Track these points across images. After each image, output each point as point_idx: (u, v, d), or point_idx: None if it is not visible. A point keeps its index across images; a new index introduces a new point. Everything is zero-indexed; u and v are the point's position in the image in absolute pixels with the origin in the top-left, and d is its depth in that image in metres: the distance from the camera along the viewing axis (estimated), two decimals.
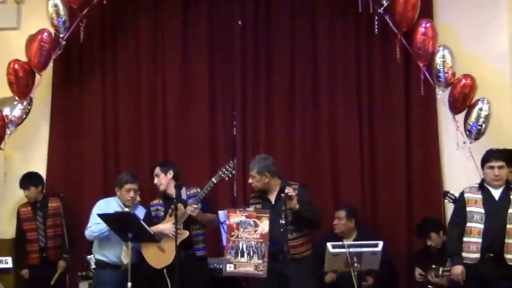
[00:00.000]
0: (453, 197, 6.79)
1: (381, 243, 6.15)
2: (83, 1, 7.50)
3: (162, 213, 6.62)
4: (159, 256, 6.43)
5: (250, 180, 6.39)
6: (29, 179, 7.56)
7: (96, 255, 6.82)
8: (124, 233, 6.27)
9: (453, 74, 7.01)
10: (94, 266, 6.97)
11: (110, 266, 6.70)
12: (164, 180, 6.63)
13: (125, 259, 6.52)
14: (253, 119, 7.87)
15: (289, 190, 6.01)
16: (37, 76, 7.59)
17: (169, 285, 6.26)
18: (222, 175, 6.41)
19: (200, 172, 7.60)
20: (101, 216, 6.42)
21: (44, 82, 7.75)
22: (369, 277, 6.81)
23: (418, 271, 6.93)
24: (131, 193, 6.79)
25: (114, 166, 7.94)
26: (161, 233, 6.41)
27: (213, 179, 6.42)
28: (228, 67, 7.94)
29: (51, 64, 7.67)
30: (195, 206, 6.32)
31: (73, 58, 8.03)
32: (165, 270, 6.35)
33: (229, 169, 6.42)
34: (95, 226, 6.66)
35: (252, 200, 6.41)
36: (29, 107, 7.66)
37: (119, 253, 6.64)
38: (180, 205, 6.36)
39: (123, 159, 7.95)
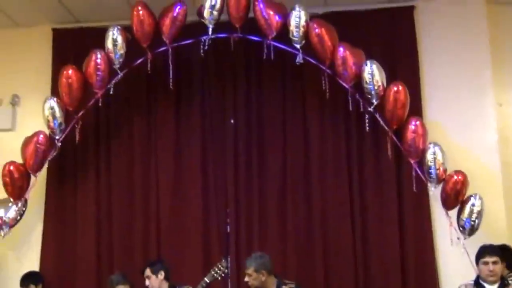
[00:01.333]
0: None
1: None
2: (79, 103, 7.63)
3: None
4: None
5: (246, 279, 6.37)
6: (29, 278, 7.53)
7: None
8: None
9: (445, 170, 7.08)
10: None
11: None
12: (156, 282, 6.59)
13: None
14: (246, 217, 7.86)
15: None
16: (32, 178, 7.64)
17: None
18: (215, 274, 6.40)
19: (193, 269, 7.55)
20: None
21: (38, 182, 7.79)
22: None
23: None
24: None
25: (108, 266, 7.87)
26: None
27: (205, 278, 6.40)
28: (221, 165, 8.00)
29: (46, 165, 7.72)
30: None
31: (67, 159, 8.08)
32: None
33: (222, 268, 6.42)
34: None
35: None
36: (24, 209, 7.67)
37: None
38: None
39: (117, 259, 7.89)
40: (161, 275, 6.59)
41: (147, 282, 6.62)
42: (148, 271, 6.63)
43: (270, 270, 6.36)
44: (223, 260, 6.58)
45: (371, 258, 7.63)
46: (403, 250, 7.56)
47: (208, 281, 6.38)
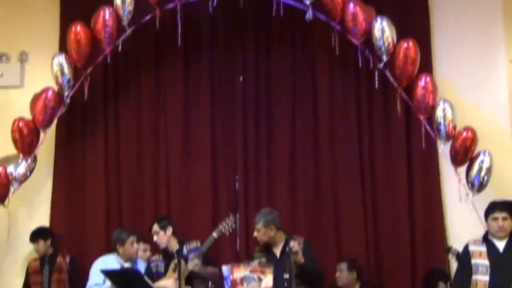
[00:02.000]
0: (456, 253, 6.78)
1: None
2: (87, 60, 7.61)
3: (163, 269, 6.59)
4: None
5: (255, 234, 6.38)
6: (38, 233, 7.59)
7: None
8: None
9: (454, 127, 7.07)
10: None
11: None
12: (164, 238, 6.61)
13: None
14: (255, 173, 7.89)
15: (293, 245, 6.01)
16: (41, 134, 7.67)
17: None
18: (223, 230, 6.39)
19: (203, 227, 7.57)
20: (105, 272, 6.38)
21: (47, 139, 7.82)
22: None
23: None
24: (135, 245, 6.80)
25: (117, 222, 7.92)
26: None
27: (213, 234, 6.39)
28: (230, 124, 8.00)
29: (55, 121, 7.74)
30: (196, 261, 6.29)
31: (76, 116, 8.10)
32: None
33: (229, 223, 6.40)
34: None
35: (257, 254, 6.40)
36: (33, 165, 7.72)
37: None
38: (181, 261, 6.33)
39: (126, 215, 7.95)
40: (169, 230, 6.62)
41: (155, 238, 6.65)
42: (156, 227, 6.66)
43: (278, 226, 6.37)
44: (231, 216, 6.55)
45: (380, 216, 7.66)
46: (412, 207, 7.58)
47: (215, 236, 6.38)
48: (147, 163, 8.03)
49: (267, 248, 6.35)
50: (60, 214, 8.04)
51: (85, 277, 7.21)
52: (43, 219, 8.00)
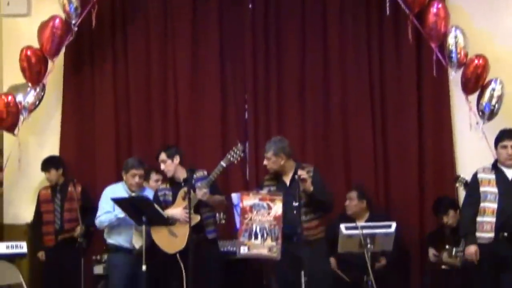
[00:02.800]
0: (464, 181, 6.79)
1: (394, 224, 6.18)
2: None
3: (170, 198, 6.58)
4: (171, 241, 6.40)
5: (265, 162, 6.35)
6: (49, 162, 7.62)
7: (108, 240, 6.85)
8: (138, 217, 6.27)
9: (466, 55, 7.00)
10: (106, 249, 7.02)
11: (122, 250, 6.71)
12: (171, 166, 6.56)
13: (137, 243, 6.55)
14: (265, 102, 7.88)
15: (302, 173, 6.02)
16: (50, 63, 7.63)
17: (183, 269, 6.25)
18: (231, 158, 6.36)
19: (211, 156, 7.59)
20: (115, 200, 6.44)
21: (56, 68, 7.78)
22: (382, 258, 6.84)
23: (431, 251, 6.95)
24: (136, 179, 6.79)
25: (126, 150, 7.97)
26: (172, 218, 6.40)
27: (222, 162, 6.36)
28: (239, 52, 7.93)
29: (63, 50, 7.69)
30: (204, 190, 6.32)
31: (84, 44, 8.04)
32: (178, 255, 6.32)
33: (237, 151, 6.36)
34: (104, 216, 6.71)
35: (267, 182, 6.40)
36: (42, 93, 7.71)
37: (129, 238, 6.67)
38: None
39: (135, 143, 7.98)
40: (176, 159, 6.58)
41: (162, 167, 6.62)
42: (163, 156, 6.61)
43: (289, 154, 6.35)
44: (239, 144, 6.52)
45: (390, 145, 7.68)
46: (422, 136, 7.59)
47: (224, 165, 6.36)
48: (155, 92, 8.00)
49: (277, 177, 6.35)
50: (70, 143, 8.08)
51: (96, 206, 7.29)
52: (53, 148, 8.05)
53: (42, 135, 8.13)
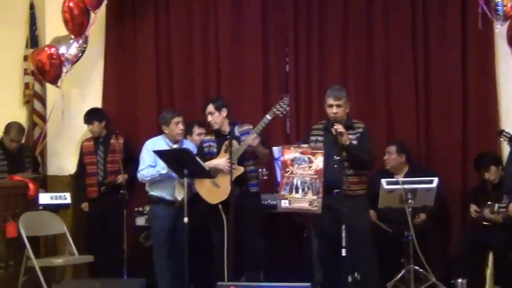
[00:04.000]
0: (509, 136, 6.69)
1: (436, 180, 6.16)
2: None
3: (215, 150, 6.61)
4: (214, 192, 6.46)
5: (334, 110, 6.19)
6: (93, 114, 7.71)
7: (150, 192, 6.91)
8: (180, 170, 6.30)
9: None
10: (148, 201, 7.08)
11: (164, 202, 6.79)
12: (218, 118, 6.57)
13: (179, 195, 6.62)
14: (306, 56, 7.81)
15: (338, 126, 5.99)
16: (92, 14, 7.64)
17: (224, 220, 6.33)
18: (276, 111, 6.35)
19: (253, 109, 7.62)
20: (157, 152, 6.48)
21: (98, 20, 7.80)
22: (422, 214, 6.81)
23: (473, 207, 6.90)
24: (180, 126, 6.82)
25: (168, 102, 8.02)
26: (215, 169, 6.42)
27: (267, 116, 6.35)
28: (281, 3, 7.85)
29: (105, 2, 7.69)
30: (254, 135, 6.32)
31: None
32: (220, 206, 6.40)
33: (283, 105, 6.35)
34: (146, 171, 6.76)
35: (314, 132, 6.37)
36: (85, 45, 7.75)
37: (171, 191, 6.72)
38: (234, 142, 6.36)
39: (177, 95, 8.02)
40: (224, 112, 6.58)
41: (209, 118, 6.63)
42: (211, 107, 6.60)
43: None
44: (285, 98, 6.50)
45: (432, 97, 7.57)
46: (465, 89, 7.46)
47: (269, 118, 6.35)
48: (197, 44, 7.99)
49: (326, 127, 6.29)
50: (112, 95, 8.16)
51: (137, 158, 7.36)
52: (96, 100, 8.13)
53: (84, 87, 8.20)
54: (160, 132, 7.14)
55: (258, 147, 6.42)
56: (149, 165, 6.75)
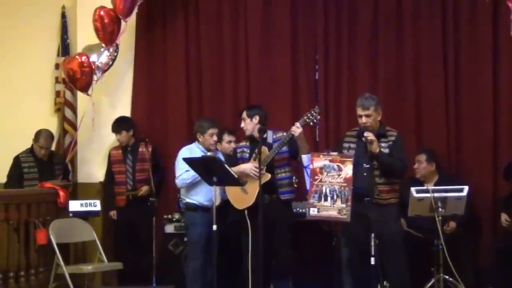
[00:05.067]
0: None
1: (466, 188, 6.11)
2: None
3: (248, 155, 6.64)
4: (241, 197, 6.47)
5: (364, 120, 6.15)
6: (121, 124, 7.76)
7: (186, 199, 6.84)
8: (209, 177, 6.29)
9: None
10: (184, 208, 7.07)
11: (201, 208, 6.72)
12: (249, 125, 6.60)
13: (218, 200, 6.60)
14: (336, 64, 7.81)
15: (368, 134, 5.96)
16: (122, 23, 7.69)
17: (250, 226, 6.34)
18: (307, 119, 6.35)
19: (283, 116, 7.62)
20: (187, 160, 6.47)
21: (129, 28, 7.85)
22: (452, 222, 6.76)
23: (504, 216, 6.83)
24: (214, 137, 6.82)
25: (197, 110, 8.05)
26: (242, 173, 6.43)
27: (297, 123, 6.38)
28: (311, 11, 7.86)
29: (135, 10, 7.74)
30: (298, 125, 6.30)
31: (156, 5, 8.13)
32: (246, 212, 6.41)
33: (315, 114, 6.35)
34: (186, 174, 6.67)
35: (348, 138, 6.36)
36: (115, 54, 7.81)
37: (207, 196, 6.64)
38: (265, 149, 6.37)
39: (206, 103, 8.04)
40: (256, 119, 6.59)
41: (242, 124, 6.68)
42: (244, 114, 6.67)
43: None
44: (316, 107, 6.51)
45: (463, 105, 7.53)
46: (496, 97, 7.40)
47: (299, 125, 6.38)
48: (226, 52, 8.02)
49: (359, 134, 6.20)
50: (142, 103, 8.21)
51: (166, 166, 7.38)
52: (125, 108, 8.20)
53: (114, 95, 8.25)
54: (189, 139, 7.16)
55: (300, 138, 6.38)
56: (186, 170, 6.72)
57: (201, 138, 6.83)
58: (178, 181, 6.80)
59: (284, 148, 6.44)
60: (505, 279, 6.68)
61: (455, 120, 7.51)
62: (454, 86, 7.52)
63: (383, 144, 6.11)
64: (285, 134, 6.47)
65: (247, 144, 6.71)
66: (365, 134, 5.96)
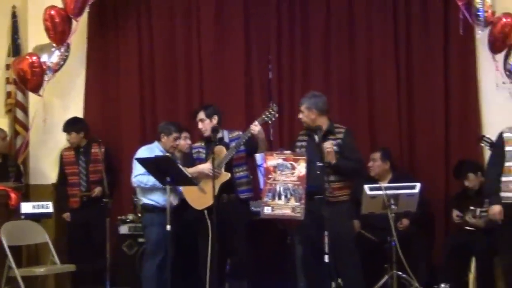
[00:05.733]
0: (489, 141, 6.72)
1: (418, 185, 6.16)
2: None
3: (204, 155, 6.61)
4: (200, 198, 6.44)
5: (299, 115, 6.31)
6: (71, 125, 7.65)
7: (143, 200, 6.76)
8: (162, 177, 6.25)
9: (493, 13, 6.89)
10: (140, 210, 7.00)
11: (158, 209, 6.61)
12: (209, 125, 6.53)
13: (174, 200, 6.58)
14: (289, 63, 7.83)
15: (326, 145, 5.99)
16: (74, 22, 7.61)
17: (209, 226, 6.30)
18: (266, 118, 6.38)
19: (236, 116, 7.61)
20: (140, 160, 6.41)
21: (80, 28, 7.78)
22: (405, 219, 6.81)
23: (455, 212, 6.92)
24: (177, 142, 6.76)
25: (151, 110, 8.02)
26: (201, 173, 6.40)
27: (256, 121, 6.38)
28: (263, 10, 7.87)
29: (87, 10, 7.66)
30: (256, 124, 6.31)
31: (108, 4, 8.05)
32: (205, 212, 6.37)
33: (273, 112, 6.39)
34: (146, 178, 6.54)
35: (300, 137, 6.40)
36: (67, 54, 7.71)
37: (164, 196, 6.50)
38: (222, 148, 6.38)
39: (159, 103, 8.01)
40: (215, 119, 6.55)
41: (200, 125, 6.60)
42: (202, 114, 6.58)
43: (321, 111, 6.30)
44: (274, 105, 6.52)
45: (415, 103, 7.61)
46: (447, 95, 7.49)
47: (258, 124, 6.37)
48: (179, 51, 7.99)
49: (310, 133, 6.29)
50: (94, 104, 8.13)
51: (120, 167, 7.32)
52: (77, 108, 8.10)
53: (66, 95, 8.16)
54: (142, 140, 7.16)
55: (260, 137, 6.40)
56: (145, 172, 6.59)
57: (164, 139, 6.74)
58: (134, 180, 6.68)
59: (241, 147, 6.43)
60: (457, 274, 6.76)
61: (407, 120, 7.59)
62: (406, 86, 7.60)
63: (331, 141, 6.13)
64: (241, 133, 6.46)
65: (202, 144, 6.68)
66: (324, 144, 5.99)
